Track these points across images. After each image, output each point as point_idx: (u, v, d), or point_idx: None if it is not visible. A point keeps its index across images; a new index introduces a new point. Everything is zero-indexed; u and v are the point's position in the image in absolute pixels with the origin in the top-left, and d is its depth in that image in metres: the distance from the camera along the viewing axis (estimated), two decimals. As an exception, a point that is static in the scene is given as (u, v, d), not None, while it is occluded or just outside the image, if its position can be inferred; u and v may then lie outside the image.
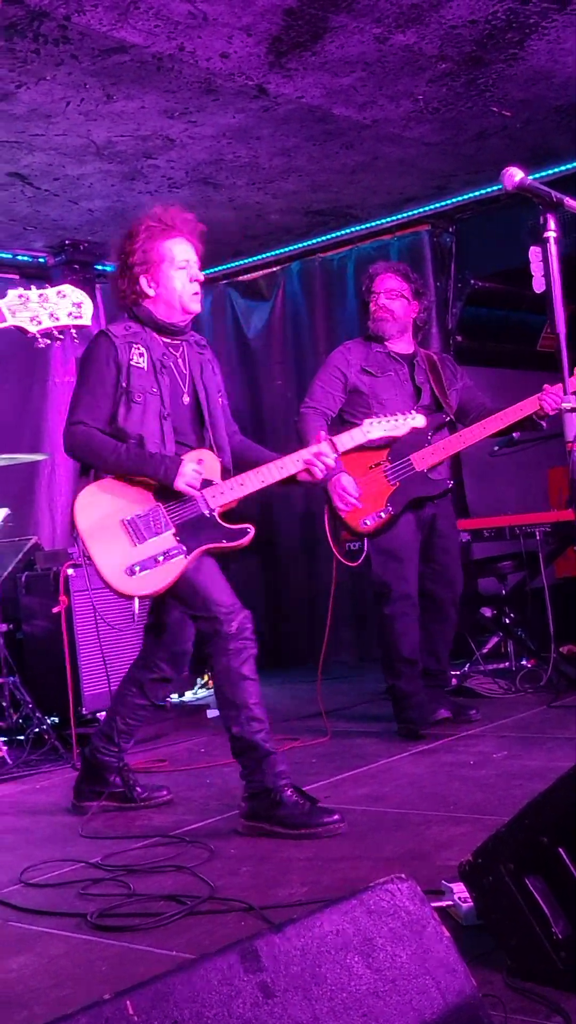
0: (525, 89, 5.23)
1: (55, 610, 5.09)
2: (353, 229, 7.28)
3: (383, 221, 7.12)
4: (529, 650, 5.65)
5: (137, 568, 3.48)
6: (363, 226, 7.20)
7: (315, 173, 6.20)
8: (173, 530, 3.53)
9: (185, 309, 3.64)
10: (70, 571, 5.16)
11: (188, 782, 4.29)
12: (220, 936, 2.53)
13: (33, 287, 2.36)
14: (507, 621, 5.73)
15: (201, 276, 3.68)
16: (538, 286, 2.88)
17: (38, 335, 2.32)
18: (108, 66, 4.64)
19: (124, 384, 3.56)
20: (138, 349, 3.61)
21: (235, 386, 7.97)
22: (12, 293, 2.32)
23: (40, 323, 2.34)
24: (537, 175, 5.45)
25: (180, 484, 3.50)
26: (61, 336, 2.58)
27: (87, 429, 3.56)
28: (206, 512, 3.58)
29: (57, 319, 2.37)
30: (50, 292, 2.34)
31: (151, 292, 3.62)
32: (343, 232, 7.33)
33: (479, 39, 4.67)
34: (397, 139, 5.70)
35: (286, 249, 7.64)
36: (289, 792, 3.40)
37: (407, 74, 4.98)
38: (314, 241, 7.47)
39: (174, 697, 5.63)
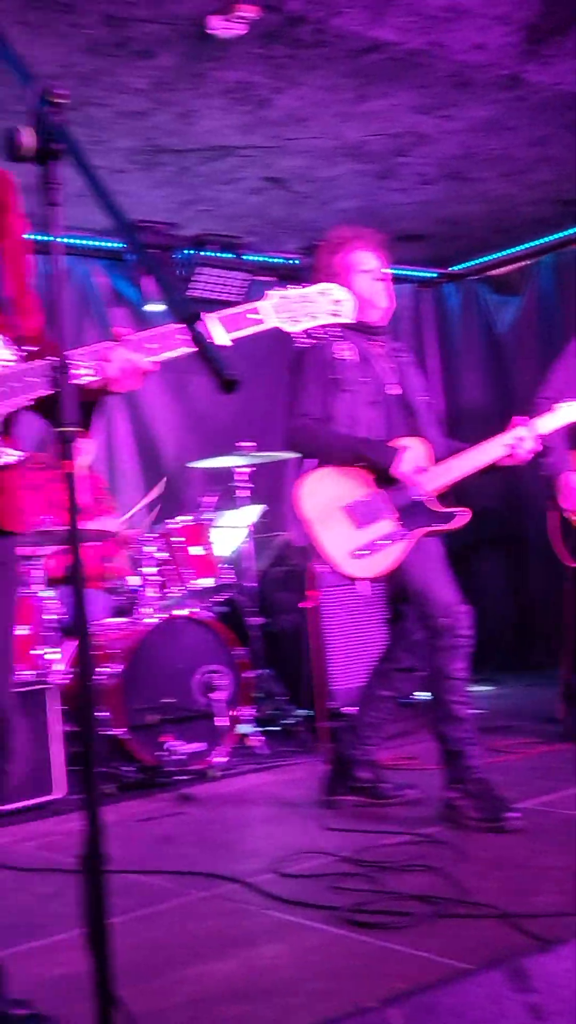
0: None
1: (304, 605, 5.18)
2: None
3: None
4: None
5: (361, 551, 3.63)
6: (620, 214, 6.93)
7: (569, 161, 6.01)
8: (393, 515, 3.68)
9: (373, 305, 3.89)
10: (318, 566, 5.23)
11: (437, 781, 4.25)
12: (473, 942, 2.48)
13: (290, 286, 2.38)
14: None
15: (383, 275, 3.95)
16: None
17: (298, 335, 2.34)
18: (361, 66, 4.67)
19: (335, 376, 3.81)
20: (344, 343, 3.86)
21: (482, 381, 7.86)
22: (272, 294, 2.35)
23: (299, 322, 2.36)
24: None
25: (399, 470, 3.67)
26: (323, 336, 2.61)
27: (307, 421, 3.80)
28: (422, 497, 3.72)
29: (318, 317, 2.38)
30: (311, 291, 2.36)
31: None
32: (599, 222, 7.08)
33: None
34: None
35: (538, 242, 7.45)
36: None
37: None
38: (568, 232, 7.25)
39: (419, 694, 5.60)
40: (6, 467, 2.15)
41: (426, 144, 5.61)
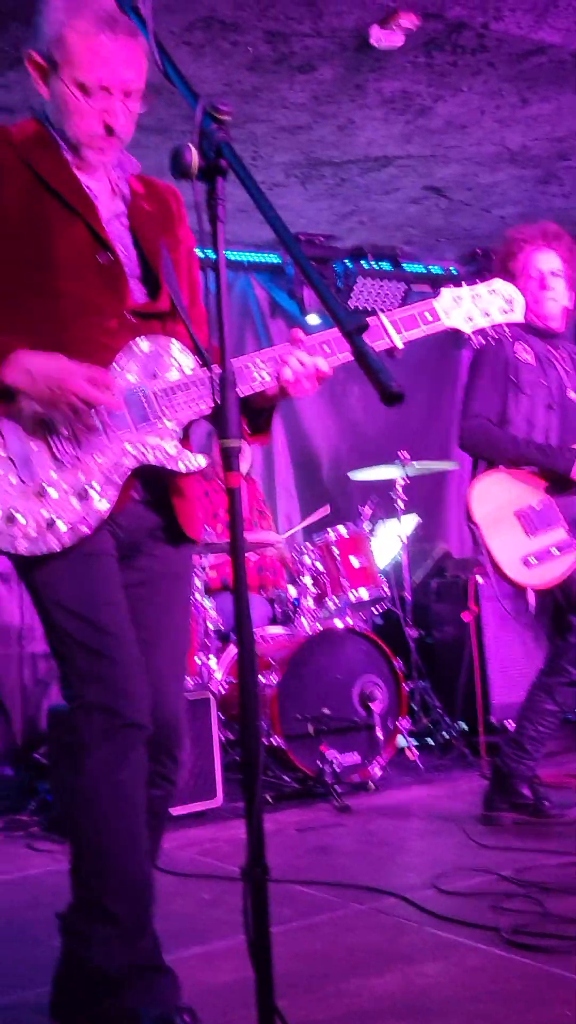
0: None
1: (465, 617, 5.11)
2: None
3: None
4: None
5: (532, 559, 3.59)
6: None
7: None
8: (565, 524, 3.65)
9: (538, 315, 3.85)
10: (480, 579, 5.16)
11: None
12: None
13: (464, 284, 2.36)
14: None
15: (552, 284, 3.86)
16: None
17: (472, 335, 2.32)
18: (524, 70, 4.59)
19: (513, 378, 3.78)
20: (523, 345, 3.83)
21: None
22: (446, 292, 2.33)
23: (474, 322, 2.34)
24: None
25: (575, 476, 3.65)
26: (495, 335, 2.61)
27: (482, 423, 3.76)
28: None
29: (490, 316, 2.35)
30: (482, 289, 2.33)
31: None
32: None
33: None
34: None
35: None
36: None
37: None
38: None
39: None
40: (189, 474, 2.20)
41: (590, 147, 5.48)
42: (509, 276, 3.72)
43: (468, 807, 4.09)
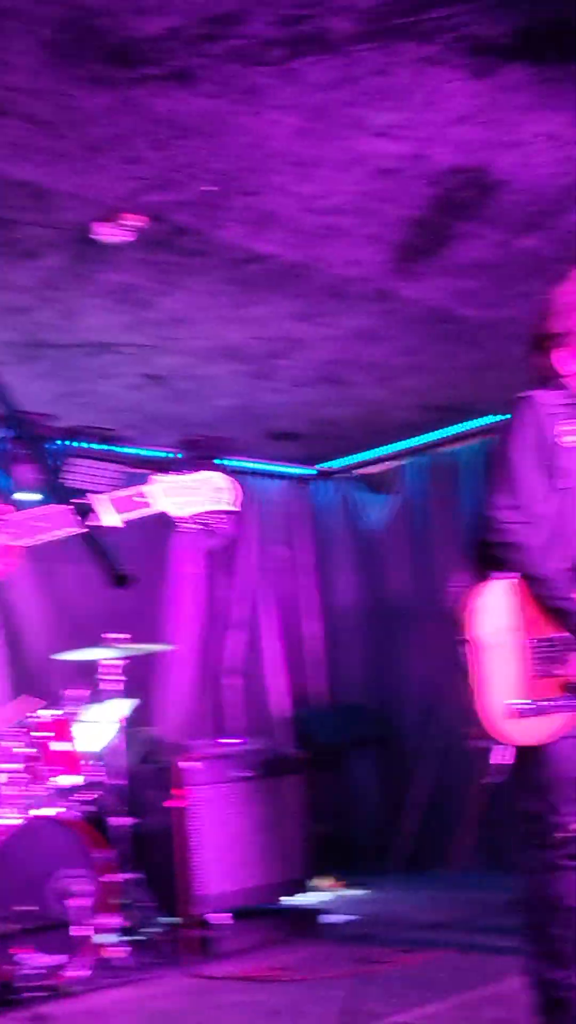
0: None
1: (171, 804, 5.01)
2: (476, 424, 7.35)
3: (506, 416, 7.17)
4: None
5: (521, 709, 2.85)
6: (485, 420, 7.26)
7: (438, 371, 6.32)
8: (573, 672, 2.92)
9: None
10: (188, 764, 5.09)
11: (307, 994, 4.06)
12: None
13: (174, 472, 2.41)
14: None
15: None
16: None
17: (183, 521, 2.36)
18: (243, 274, 4.87)
19: (547, 462, 2.99)
20: (568, 424, 3.02)
21: (355, 580, 7.98)
22: (157, 478, 2.38)
23: (184, 508, 2.39)
24: None
25: None
26: (207, 523, 2.60)
27: (527, 531, 2.92)
28: None
29: (201, 504, 2.41)
30: (192, 478, 2.39)
31: (567, 370, 3.11)
32: (466, 427, 7.40)
33: (601, 242, 4.78)
34: (519, 337, 5.77)
35: (408, 443, 7.74)
36: None
37: (529, 276, 5.08)
38: (436, 435, 7.56)
39: (289, 899, 5.41)
40: None
41: (302, 349, 5.83)
42: (560, 337, 3.11)
43: (176, 1008, 3.92)
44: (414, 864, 7.09)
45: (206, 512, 2.42)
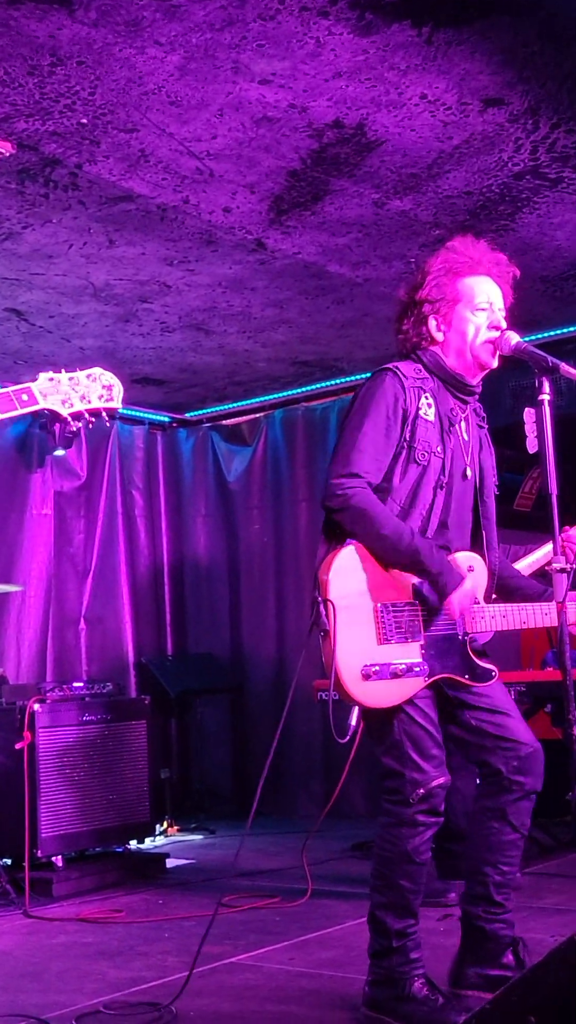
0: (514, 259, 5.36)
1: (18, 746, 4.96)
2: (338, 381, 7.42)
3: (369, 375, 7.25)
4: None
5: (374, 672, 2.87)
6: (349, 379, 7.34)
7: (305, 326, 6.35)
8: (422, 641, 2.95)
9: (478, 360, 3.08)
10: (36, 706, 5.04)
11: (145, 935, 4.11)
12: None
13: (64, 370, 2.38)
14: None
15: (503, 324, 3.09)
16: (532, 446, 2.91)
17: (69, 418, 2.33)
18: (113, 213, 4.78)
19: (408, 436, 3.00)
20: (427, 399, 3.05)
21: (213, 529, 8.00)
22: (43, 376, 2.35)
23: (72, 405, 2.36)
24: (521, 340, 5.61)
25: (453, 606, 2.95)
26: (93, 419, 2.56)
27: (364, 491, 2.94)
28: (460, 635, 3.01)
29: (88, 401, 2.38)
30: (80, 375, 2.36)
31: (439, 336, 3.11)
32: (328, 384, 7.47)
33: (473, 209, 4.86)
34: (387, 298, 5.86)
35: (271, 396, 7.77)
36: (419, 984, 2.91)
37: (401, 237, 5.15)
38: (299, 391, 7.61)
39: (132, 843, 5.44)
40: None
41: (170, 294, 5.77)
42: (437, 302, 3.08)
43: (6, 947, 3.90)
44: (260, 811, 7.21)
45: (93, 409, 2.39)
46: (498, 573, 3.16)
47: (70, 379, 2.36)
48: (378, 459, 2.98)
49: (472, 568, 3.03)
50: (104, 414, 2.73)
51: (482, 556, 3.10)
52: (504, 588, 3.18)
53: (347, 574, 2.93)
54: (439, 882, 4.40)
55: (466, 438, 3.13)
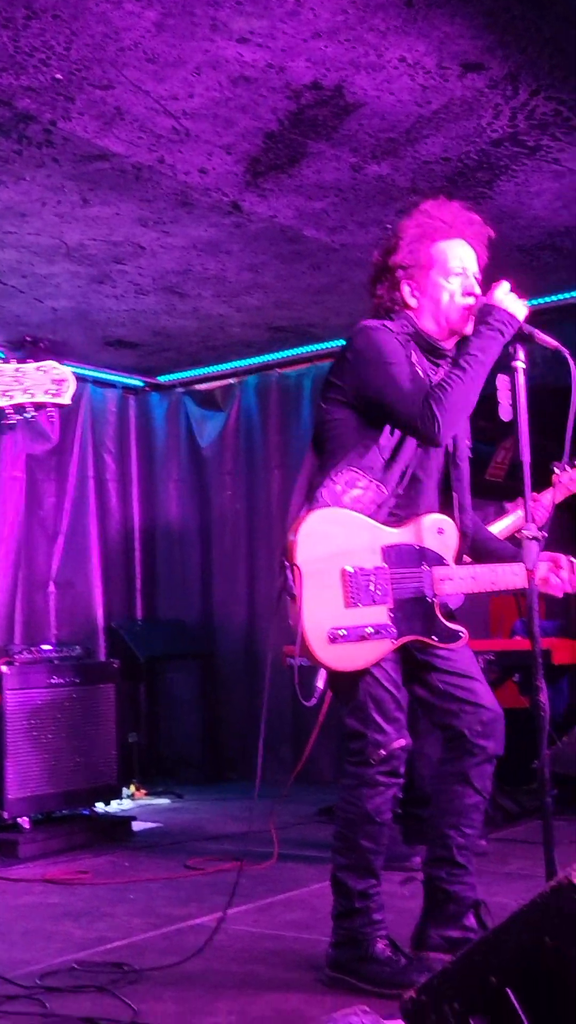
0: (490, 226, 5.38)
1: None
2: (313, 347, 7.39)
3: (343, 341, 7.23)
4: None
5: (342, 635, 2.88)
6: (323, 345, 7.30)
7: (280, 290, 6.31)
8: (390, 604, 2.95)
9: (452, 325, 3.08)
10: (4, 668, 5.03)
11: (111, 897, 4.12)
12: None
13: (14, 360, 2.32)
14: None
15: (477, 289, 3.08)
16: (505, 414, 2.91)
17: (7, 410, 2.27)
18: (88, 172, 4.71)
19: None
20: (413, 355, 3.06)
21: (185, 494, 7.97)
22: None
23: (11, 398, 2.30)
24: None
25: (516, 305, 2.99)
26: (34, 413, 2.48)
27: (429, 404, 2.92)
28: (428, 597, 3.01)
29: (32, 395, 2.33)
30: (29, 367, 2.30)
31: (412, 303, 3.11)
32: (303, 350, 7.43)
33: (451, 175, 4.83)
34: (364, 263, 5.80)
35: (245, 362, 7.73)
36: (381, 945, 2.96)
37: (378, 203, 5.12)
38: (273, 356, 7.57)
39: (100, 806, 5.45)
40: None
41: (144, 256, 5.71)
42: (411, 267, 3.09)
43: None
44: (227, 775, 7.25)
45: (38, 403, 2.34)
46: (472, 536, 3.17)
47: (15, 370, 2.29)
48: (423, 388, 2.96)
49: (442, 530, 3.05)
50: (49, 408, 2.63)
51: (452, 519, 3.10)
52: (479, 551, 3.19)
53: (315, 538, 2.92)
54: (404, 847, 4.44)
55: None
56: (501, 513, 4.41)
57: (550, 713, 2.88)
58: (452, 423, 2.95)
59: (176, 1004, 2.83)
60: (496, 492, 7.07)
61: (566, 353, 2.83)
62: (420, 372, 3.03)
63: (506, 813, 5.30)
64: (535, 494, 3.31)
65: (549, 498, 3.15)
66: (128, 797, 6.33)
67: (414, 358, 3.05)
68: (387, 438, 3.00)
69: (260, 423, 7.66)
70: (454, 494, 3.14)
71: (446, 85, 4.07)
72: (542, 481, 3.20)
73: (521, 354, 2.88)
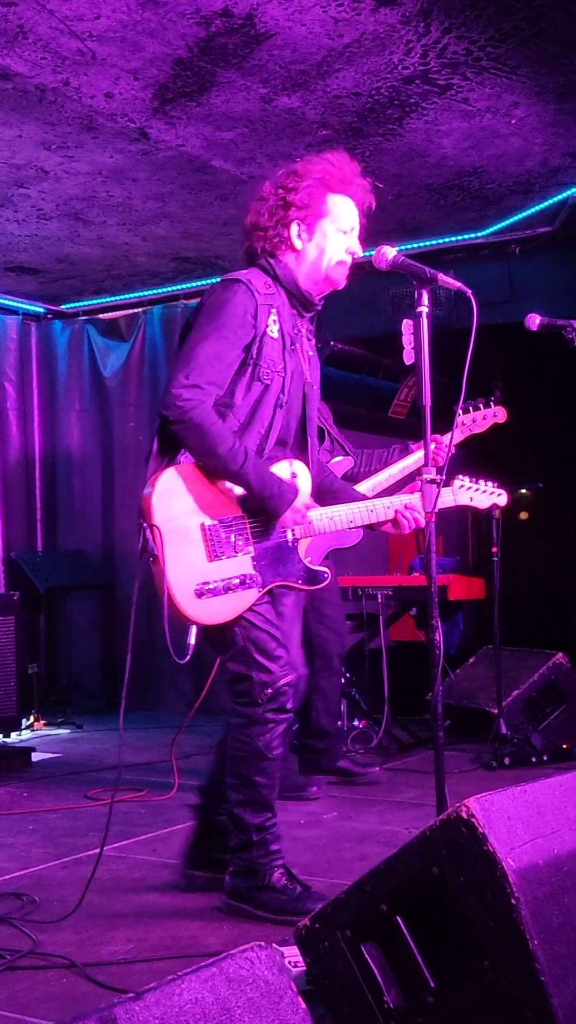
0: (400, 164, 5.39)
1: None
2: (220, 279, 7.31)
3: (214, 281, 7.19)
4: (362, 711, 5.71)
5: (208, 590, 2.90)
6: (229, 277, 7.24)
7: (187, 221, 6.23)
8: (252, 553, 2.98)
9: (330, 279, 3.12)
10: None
11: (10, 827, 4.15)
12: (41, 994, 2.45)
13: None
14: (342, 681, 5.78)
15: (359, 251, 3.12)
16: (408, 358, 2.94)
17: None
18: (-11, 91, 4.57)
19: (255, 355, 2.99)
20: (274, 316, 3.03)
21: (87, 424, 7.88)
22: None
23: None
24: (402, 247, 5.62)
25: (287, 519, 2.99)
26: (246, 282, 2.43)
27: (204, 405, 2.89)
28: (289, 541, 3.05)
29: None
30: None
31: (298, 244, 3.11)
32: (209, 281, 7.36)
33: (361, 111, 4.80)
34: (271, 197, 5.79)
35: (150, 292, 7.63)
36: (278, 874, 3.03)
37: (287, 136, 5.07)
38: (179, 287, 7.49)
39: (-1, 737, 5.46)
40: None
41: (48, 180, 5.57)
42: (306, 209, 3.08)
43: None
44: (128, 707, 7.28)
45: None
46: (318, 481, 3.21)
47: None
48: (223, 372, 2.95)
49: (295, 474, 3.09)
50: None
51: (305, 463, 3.14)
52: (325, 490, 3.23)
53: (171, 495, 2.92)
54: (301, 777, 4.55)
55: (311, 354, 3.18)
56: (405, 452, 4.48)
57: (444, 646, 2.98)
58: (183, 435, 2.91)
59: (75, 933, 2.88)
60: (399, 429, 7.17)
61: (469, 293, 2.86)
62: (276, 334, 3.01)
63: (399, 743, 5.45)
64: (437, 436, 3.42)
65: (449, 438, 3.21)
66: (27, 728, 6.34)
67: (274, 314, 3.02)
68: (242, 401, 3.00)
69: (165, 354, 7.58)
70: (307, 439, 3.17)
71: (358, 19, 4.03)
72: (446, 420, 3.27)
73: (425, 298, 2.90)
